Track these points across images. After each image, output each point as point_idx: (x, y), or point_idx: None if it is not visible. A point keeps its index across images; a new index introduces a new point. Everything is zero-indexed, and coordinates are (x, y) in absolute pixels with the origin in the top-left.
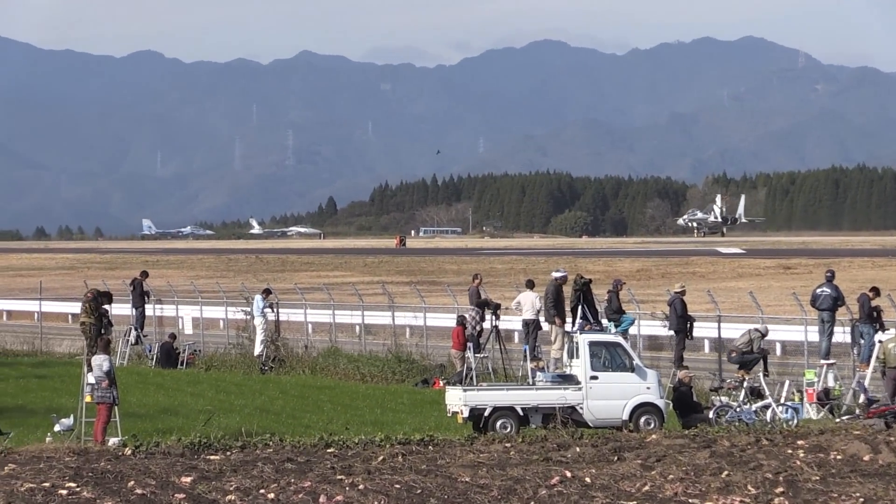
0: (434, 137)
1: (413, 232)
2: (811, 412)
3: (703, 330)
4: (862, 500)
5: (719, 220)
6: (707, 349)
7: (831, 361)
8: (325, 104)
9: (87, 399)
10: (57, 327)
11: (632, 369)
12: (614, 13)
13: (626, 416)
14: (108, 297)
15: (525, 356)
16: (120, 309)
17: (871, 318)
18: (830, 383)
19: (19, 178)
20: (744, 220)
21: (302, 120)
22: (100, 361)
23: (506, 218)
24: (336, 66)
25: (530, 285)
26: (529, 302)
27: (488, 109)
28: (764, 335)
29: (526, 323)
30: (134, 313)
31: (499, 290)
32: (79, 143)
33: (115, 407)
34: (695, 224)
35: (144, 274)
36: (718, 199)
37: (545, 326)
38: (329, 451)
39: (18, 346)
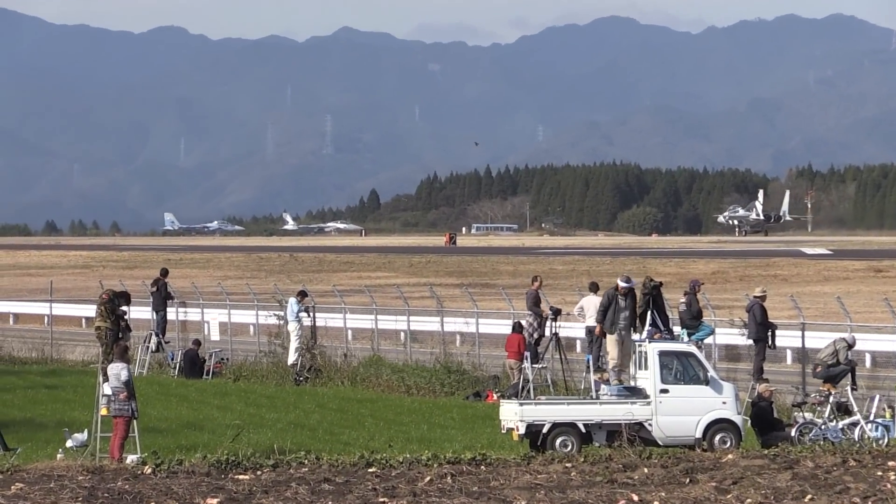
0: (488, 124)
1: (464, 229)
2: None
3: (785, 339)
4: None
5: (761, 217)
6: (789, 360)
7: None
8: (367, 86)
9: (103, 412)
10: (69, 332)
11: (706, 382)
12: None
13: (699, 434)
14: (125, 298)
15: (588, 367)
16: (139, 312)
17: None
18: None
19: (27, 166)
20: (788, 217)
21: (341, 104)
22: (117, 370)
23: (567, 214)
24: (379, 45)
25: (594, 288)
26: (593, 307)
27: (548, 93)
28: (851, 346)
29: (589, 330)
30: (155, 317)
31: (559, 294)
32: (93, 129)
33: (134, 421)
34: (736, 222)
35: (165, 272)
36: (760, 195)
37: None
38: (370, 470)
39: (27, 353)
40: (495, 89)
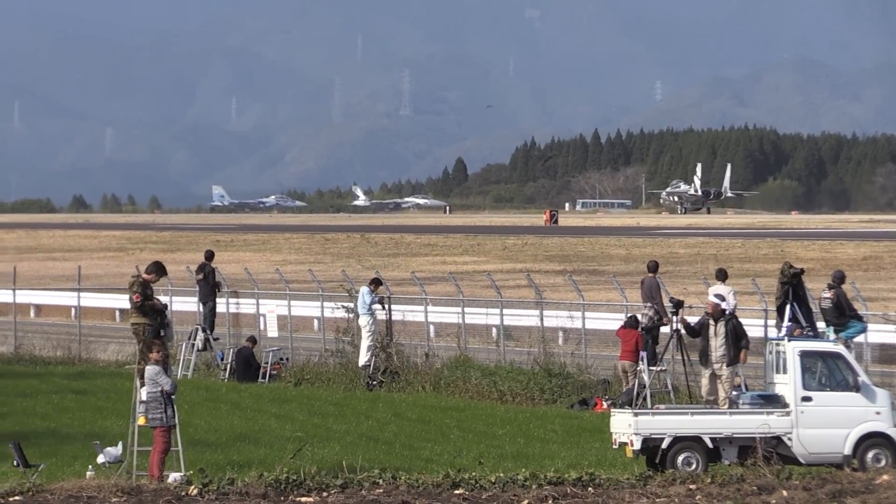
0: (595, 81)
1: (568, 205)
2: None
3: None
4: None
5: (699, 193)
6: None
7: None
8: (453, 36)
9: (140, 421)
10: (100, 327)
11: (857, 388)
12: None
13: (848, 451)
14: (159, 271)
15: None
16: (183, 304)
17: None
18: None
19: (51, 130)
20: (729, 193)
21: (422, 56)
22: (156, 373)
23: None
24: None
25: (722, 276)
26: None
27: (669, 44)
28: None
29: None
30: (201, 310)
31: (680, 283)
32: (129, 86)
33: (176, 432)
34: (675, 198)
35: (211, 256)
36: (699, 168)
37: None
38: (457, 492)
39: (50, 352)
40: (604, 39)
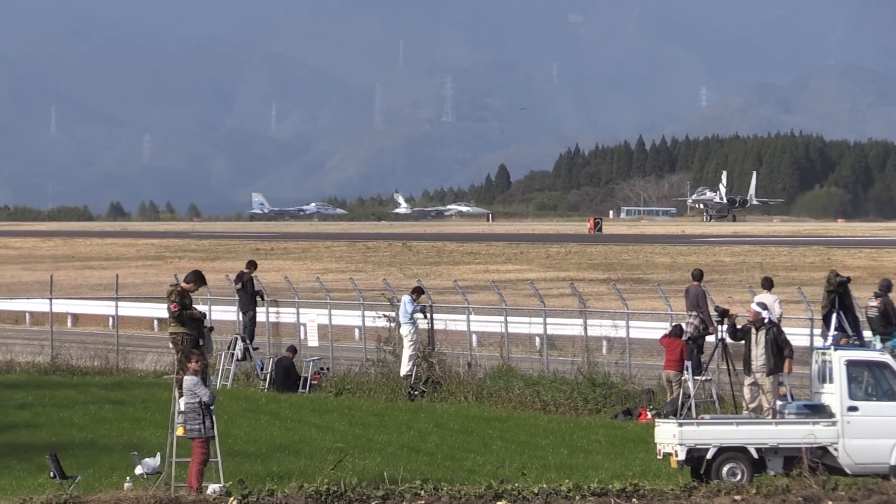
0: (640, 87)
1: (612, 213)
2: None
3: None
4: None
5: (724, 200)
6: None
7: None
8: (496, 41)
9: (179, 432)
10: (138, 336)
11: None
12: None
13: (894, 461)
14: (198, 280)
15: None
16: (223, 313)
17: None
18: None
19: (89, 137)
20: (755, 201)
21: (465, 62)
22: (194, 384)
23: (736, 195)
24: None
25: (767, 285)
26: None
27: (714, 50)
28: None
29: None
30: (241, 319)
31: (726, 291)
32: (168, 93)
33: (215, 443)
34: (702, 206)
35: (252, 265)
36: (724, 176)
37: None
38: (500, 503)
39: (87, 362)
40: (649, 45)
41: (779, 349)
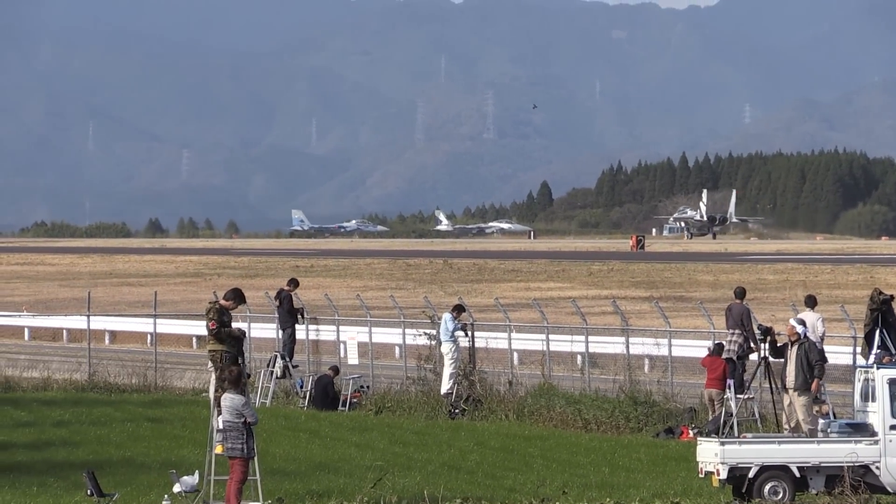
0: (683, 104)
1: (655, 231)
2: None
3: None
4: None
5: (704, 219)
6: None
7: None
8: (539, 57)
9: (218, 450)
10: (176, 354)
11: None
12: None
13: None
14: (238, 297)
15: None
16: (262, 330)
17: None
18: None
19: (127, 153)
20: (734, 219)
21: (507, 78)
22: (242, 403)
23: (779, 212)
24: (553, 7)
25: (811, 303)
26: (810, 325)
27: (757, 66)
28: None
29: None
30: (281, 336)
31: (769, 309)
32: (206, 107)
33: (254, 461)
34: (682, 224)
35: (294, 283)
36: (704, 194)
37: None
38: None
39: (125, 380)
40: (692, 62)
41: (809, 366)
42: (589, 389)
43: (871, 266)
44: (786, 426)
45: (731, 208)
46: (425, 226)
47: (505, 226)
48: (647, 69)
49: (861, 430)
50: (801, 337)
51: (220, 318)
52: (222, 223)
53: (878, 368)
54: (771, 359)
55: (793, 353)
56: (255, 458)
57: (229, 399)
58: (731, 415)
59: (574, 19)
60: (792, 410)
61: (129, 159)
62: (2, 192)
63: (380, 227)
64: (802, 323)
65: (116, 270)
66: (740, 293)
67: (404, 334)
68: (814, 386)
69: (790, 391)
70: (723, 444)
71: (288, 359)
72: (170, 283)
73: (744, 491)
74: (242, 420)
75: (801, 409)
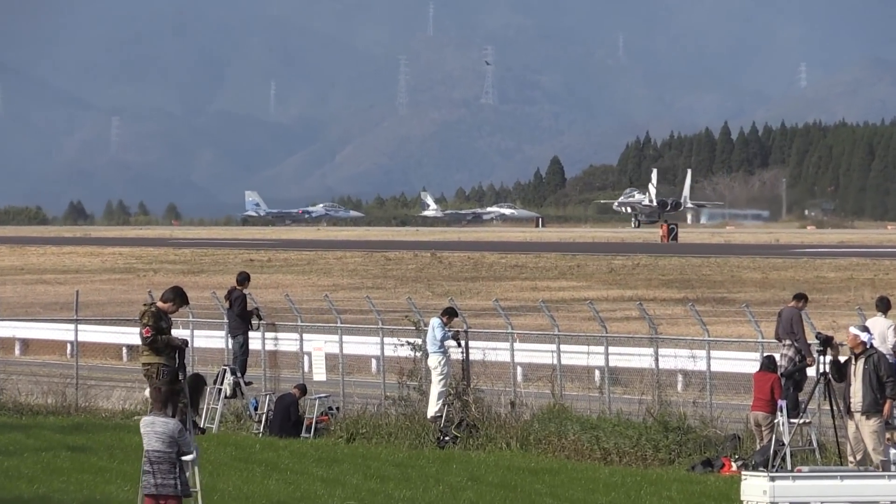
0: (725, 63)
1: (689, 217)
2: None
3: None
4: None
5: (654, 203)
6: None
7: None
8: (547, 6)
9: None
10: (103, 367)
11: None
12: None
13: None
14: (178, 298)
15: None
16: (207, 339)
17: None
18: None
19: (43, 121)
20: (689, 204)
21: (507, 31)
22: (178, 431)
23: (842, 196)
24: None
25: (883, 306)
26: (879, 334)
27: (814, 17)
28: None
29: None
30: (231, 346)
31: (830, 314)
32: (143, 67)
33: (198, 498)
34: (628, 209)
35: (245, 279)
36: (654, 175)
37: None
38: None
39: (40, 399)
40: (736, 12)
41: (879, 383)
42: (609, 412)
43: None
44: (850, 458)
45: (686, 191)
46: (409, 211)
47: (507, 211)
48: (682, 21)
49: None
50: (868, 347)
51: (156, 324)
52: (160, 207)
53: None
54: (834, 383)
55: (858, 367)
56: (199, 497)
57: (161, 424)
58: (784, 444)
59: None
60: (858, 438)
61: (46, 129)
62: None
63: (353, 213)
64: (866, 330)
65: (29, 265)
66: (799, 296)
67: (382, 344)
68: (886, 408)
69: (856, 415)
70: (773, 479)
71: (239, 374)
72: (95, 281)
73: None
74: (175, 450)
75: (870, 437)
